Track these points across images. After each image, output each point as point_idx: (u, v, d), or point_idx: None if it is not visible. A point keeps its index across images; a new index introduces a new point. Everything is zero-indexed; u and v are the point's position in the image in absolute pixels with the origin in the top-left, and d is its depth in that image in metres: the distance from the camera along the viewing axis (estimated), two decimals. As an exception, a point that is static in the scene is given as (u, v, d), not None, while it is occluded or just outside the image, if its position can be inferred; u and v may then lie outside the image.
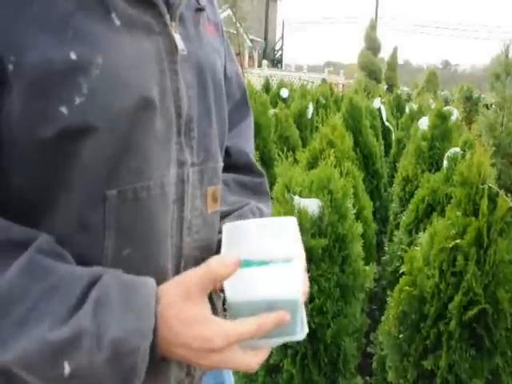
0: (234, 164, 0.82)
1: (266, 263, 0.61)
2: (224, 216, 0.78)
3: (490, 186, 1.47)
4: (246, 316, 0.56)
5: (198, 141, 0.65)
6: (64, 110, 0.50)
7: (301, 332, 0.62)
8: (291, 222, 0.68)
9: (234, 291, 0.57)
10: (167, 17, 0.59)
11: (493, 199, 1.48)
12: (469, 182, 1.53)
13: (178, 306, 0.54)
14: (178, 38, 0.61)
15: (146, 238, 0.58)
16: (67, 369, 0.48)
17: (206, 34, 0.70)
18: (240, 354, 0.56)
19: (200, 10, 0.69)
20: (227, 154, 0.80)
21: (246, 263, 0.61)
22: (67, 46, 0.50)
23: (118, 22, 0.54)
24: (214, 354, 0.54)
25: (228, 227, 0.69)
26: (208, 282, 0.55)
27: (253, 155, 0.89)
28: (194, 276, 0.56)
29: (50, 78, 0.49)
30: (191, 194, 0.64)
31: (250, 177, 0.87)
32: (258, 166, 0.89)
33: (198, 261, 0.66)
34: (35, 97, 0.49)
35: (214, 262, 0.56)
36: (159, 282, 0.57)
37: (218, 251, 0.73)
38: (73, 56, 0.50)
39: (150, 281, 0.55)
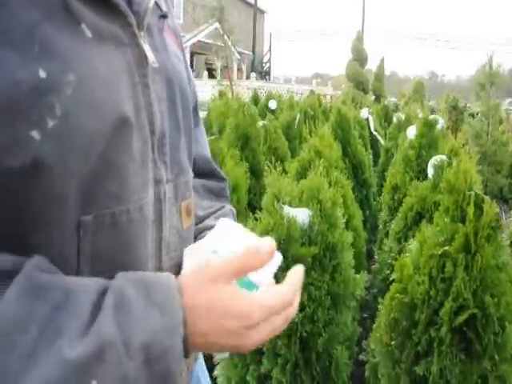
0: (199, 171, 0.82)
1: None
2: (202, 219, 0.81)
3: (476, 193, 1.50)
4: None
5: (171, 156, 0.62)
6: (35, 134, 0.44)
7: None
8: (278, 259, 0.65)
9: None
10: (135, 26, 0.55)
11: (479, 205, 1.50)
12: (456, 188, 1.56)
13: (204, 291, 0.51)
14: (147, 49, 0.57)
15: (125, 264, 0.53)
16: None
17: (170, 43, 0.67)
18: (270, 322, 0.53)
19: (163, 16, 0.65)
20: (193, 162, 0.79)
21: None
22: (35, 63, 0.45)
23: (89, 34, 0.49)
24: (254, 330, 0.51)
25: (224, 223, 0.71)
26: (235, 269, 0.52)
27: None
28: (219, 264, 0.53)
29: (17, 101, 0.44)
30: (168, 212, 0.62)
31: (215, 182, 0.89)
32: (220, 171, 0.92)
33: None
34: (2, 122, 0.43)
35: (245, 250, 0.52)
36: None
37: None
38: (42, 74, 0.45)
39: (165, 273, 0.52)
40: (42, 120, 0.45)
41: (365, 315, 2.53)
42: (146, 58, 0.57)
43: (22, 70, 0.44)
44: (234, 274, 0.52)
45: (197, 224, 0.78)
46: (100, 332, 0.43)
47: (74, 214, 0.49)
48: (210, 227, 0.77)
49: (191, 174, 0.71)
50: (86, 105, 0.48)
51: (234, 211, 0.89)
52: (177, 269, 0.66)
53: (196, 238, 0.76)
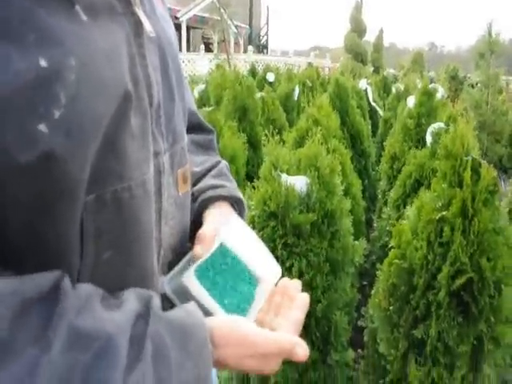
0: (187, 125, 0.80)
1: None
2: (200, 177, 0.80)
3: (473, 158, 1.49)
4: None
5: (166, 125, 0.62)
6: (43, 127, 0.42)
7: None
8: (278, 273, 0.70)
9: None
10: None
11: (476, 170, 1.50)
12: (453, 154, 1.55)
13: (232, 347, 0.56)
14: (143, 16, 0.55)
15: (129, 240, 0.54)
16: None
17: (157, 6, 0.65)
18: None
19: None
20: None
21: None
22: (33, 52, 0.42)
23: (84, 17, 0.47)
24: (269, 366, 0.58)
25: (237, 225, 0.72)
26: (260, 347, 0.57)
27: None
28: (254, 333, 0.57)
29: (21, 94, 0.41)
30: (166, 182, 0.62)
31: (202, 135, 0.88)
32: (207, 123, 0.91)
33: (175, 247, 0.68)
34: (8, 118, 0.41)
35: (286, 339, 0.58)
36: (146, 281, 0.57)
37: (195, 227, 0.74)
38: (42, 63, 0.42)
39: (199, 319, 0.54)
40: (48, 111, 0.43)
41: (364, 283, 2.56)
42: (141, 26, 0.55)
43: (22, 61, 0.41)
44: (260, 351, 0.57)
45: (194, 182, 0.78)
46: (140, 382, 0.45)
47: (81, 198, 0.48)
48: (212, 187, 0.78)
49: (186, 140, 0.71)
50: (90, 87, 0.46)
51: (227, 165, 0.89)
52: (174, 238, 0.67)
53: (198, 199, 0.76)
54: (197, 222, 0.75)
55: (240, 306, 0.66)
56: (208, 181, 0.80)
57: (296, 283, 0.69)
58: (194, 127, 0.85)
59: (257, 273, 0.68)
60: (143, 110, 0.54)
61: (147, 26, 0.56)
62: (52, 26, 0.44)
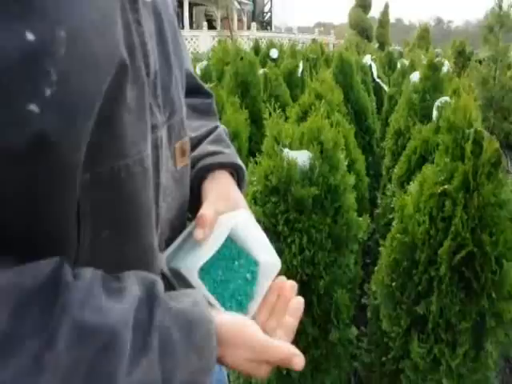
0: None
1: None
2: (196, 143, 0.77)
3: (475, 130, 1.46)
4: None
5: (163, 96, 0.58)
6: (34, 107, 0.39)
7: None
8: (278, 266, 0.70)
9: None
10: None
11: (479, 143, 1.47)
12: (455, 126, 1.52)
13: (238, 348, 0.57)
14: None
15: (127, 218, 0.52)
16: None
17: None
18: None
19: None
20: None
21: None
22: (18, 25, 0.38)
23: None
24: (264, 369, 0.59)
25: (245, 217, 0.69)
26: (260, 355, 0.58)
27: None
28: (258, 339, 0.58)
29: (8, 72, 0.38)
30: (164, 157, 0.60)
31: (200, 98, 0.84)
32: (205, 85, 0.87)
33: (172, 222, 0.66)
34: None
35: (288, 349, 0.59)
36: (146, 259, 0.57)
37: (194, 203, 0.72)
38: (29, 36, 0.38)
39: (206, 313, 0.54)
40: (38, 90, 0.39)
41: (368, 261, 2.55)
42: None
43: (6, 36, 0.37)
44: (263, 357, 0.58)
45: (192, 147, 0.74)
46: (147, 376, 0.46)
47: (76, 177, 0.45)
48: (209, 154, 0.75)
49: (184, 112, 0.67)
50: (83, 61, 0.42)
51: (226, 129, 0.85)
52: (172, 213, 0.65)
53: (194, 167, 0.74)
54: (194, 193, 0.73)
55: (239, 301, 0.66)
56: (205, 147, 0.77)
57: (292, 283, 0.68)
58: (192, 90, 0.81)
59: (260, 270, 0.68)
60: (140, 82, 0.51)
61: None
62: None
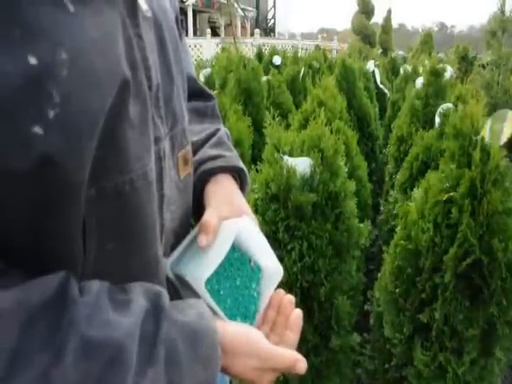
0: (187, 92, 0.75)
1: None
2: (198, 147, 0.76)
3: (483, 137, 1.45)
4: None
5: (165, 108, 0.58)
6: (38, 129, 0.39)
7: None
8: (280, 273, 0.70)
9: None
10: None
11: (486, 150, 1.46)
12: (462, 133, 1.51)
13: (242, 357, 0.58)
14: None
15: (132, 231, 0.53)
16: None
17: None
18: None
19: None
20: None
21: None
22: (21, 50, 0.38)
23: (71, 5, 0.43)
24: (268, 376, 0.60)
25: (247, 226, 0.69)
26: (266, 362, 0.59)
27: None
28: (263, 347, 0.59)
29: (12, 97, 0.38)
30: (167, 167, 0.60)
31: (202, 102, 0.84)
32: (207, 88, 0.87)
33: (176, 230, 0.66)
34: (1, 124, 0.38)
35: (292, 356, 0.61)
36: (150, 270, 0.57)
37: (196, 207, 0.72)
38: (32, 60, 0.39)
39: (211, 324, 0.54)
40: (41, 112, 0.40)
41: (371, 267, 2.53)
42: (137, 5, 0.52)
43: (10, 61, 0.38)
44: (268, 365, 0.59)
45: (194, 151, 0.74)
46: None
47: (83, 193, 0.46)
48: (210, 158, 0.75)
49: (187, 121, 0.67)
50: (85, 81, 0.42)
51: (228, 132, 0.85)
52: (175, 222, 0.65)
53: (196, 171, 0.73)
54: (197, 197, 0.72)
55: (244, 310, 0.66)
56: (206, 151, 0.76)
57: (290, 298, 0.69)
58: (194, 93, 0.81)
59: (263, 277, 0.69)
60: (142, 96, 0.51)
61: (142, 4, 0.52)
62: (37, 17, 0.40)
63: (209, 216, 0.66)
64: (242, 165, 0.77)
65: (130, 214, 0.51)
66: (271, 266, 0.69)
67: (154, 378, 0.46)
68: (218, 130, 0.82)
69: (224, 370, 0.57)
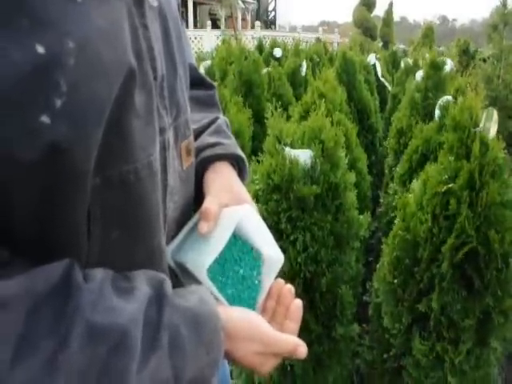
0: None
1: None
2: (197, 135, 0.77)
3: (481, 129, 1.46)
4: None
5: (169, 98, 0.59)
6: (45, 118, 0.40)
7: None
8: (281, 260, 0.71)
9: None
10: None
11: (485, 142, 1.48)
12: (461, 126, 1.52)
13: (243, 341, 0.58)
14: None
15: (136, 220, 0.53)
16: None
17: None
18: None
19: None
20: None
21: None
22: (29, 39, 0.39)
23: None
24: (270, 361, 0.61)
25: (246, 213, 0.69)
26: (269, 347, 0.59)
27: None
28: (266, 332, 0.60)
29: (20, 86, 0.39)
30: (171, 158, 0.60)
31: (203, 90, 0.85)
32: (208, 78, 0.88)
33: (178, 219, 0.67)
34: (9, 113, 0.39)
35: (293, 340, 0.62)
36: (154, 259, 0.57)
37: (196, 195, 0.73)
38: (40, 49, 0.39)
39: (213, 309, 0.55)
40: (49, 101, 0.40)
41: (370, 259, 2.55)
42: None
43: (18, 50, 0.38)
44: (271, 350, 0.60)
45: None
46: (157, 373, 0.47)
47: (89, 182, 0.46)
48: (209, 145, 0.75)
49: (189, 111, 0.68)
50: (92, 70, 0.43)
51: (227, 121, 0.85)
52: (178, 211, 0.66)
53: (196, 158, 0.74)
54: (196, 185, 0.73)
55: (245, 297, 0.67)
56: (205, 139, 0.77)
57: (289, 287, 0.69)
58: (195, 82, 0.81)
59: (264, 265, 0.69)
60: (148, 86, 0.52)
61: None
62: (45, 7, 0.40)
63: (209, 203, 0.67)
64: (240, 152, 0.78)
65: (135, 203, 0.52)
66: (272, 254, 0.69)
67: (158, 363, 0.47)
68: (217, 118, 0.83)
69: (227, 356, 0.57)
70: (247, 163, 0.80)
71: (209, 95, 0.86)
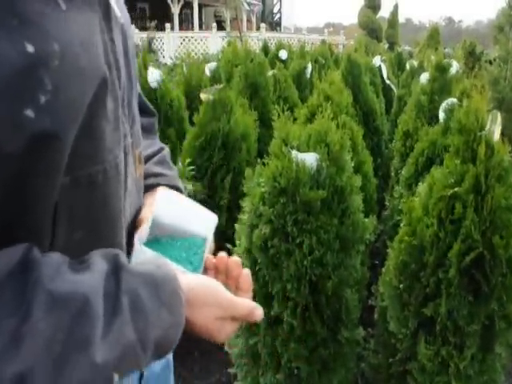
0: None
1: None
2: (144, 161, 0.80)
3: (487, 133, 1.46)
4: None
5: (128, 107, 0.63)
6: (30, 112, 0.43)
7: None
8: (214, 220, 0.73)
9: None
10: None
11: (490, 146, 1.47)
12: (466, 129, 1.52)
13: (201, 306, 0.59)
14: (112, 1, 0.57)
15: (100, 219, 0.57)
16: (116, 378, 0.48)
17: None
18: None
19: None
20: None
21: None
22: (19, 38, 0.42)
23: (63, 4, 0.47)
24: (230, 324, 0.62)
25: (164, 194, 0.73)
26: (228, 310, 0.60)
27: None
28: (225, 296, 0.61)
29: (9, 81, 0.41)
30: (130, 163, 0.64)
31: (145, 117, 0.88)
32: (150, 104, 0.91)
33: (129, 227, 0.69)
34: None
35: (251, 303, 0.63)
36: None
37: None
38: (30, 48, 0.43)
39: (170, 271, 0.56)
40: (34, 97, 0.44)
41: (375, 262, 2.54)
42: (111, 11, 0.56)
43: (9, 47, 0.42)
44: (230, 313, 0.61)
45: None
46: (121, 336, 0.48)
47: (59, 180, 0.49)
48: (153, 174, 0.80)
49: (140, 121, 0.73)
50: (72, 73, 0.47)
51: (168, 151, 0.90)
52: (131, 218, 0.69)
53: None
54: None
55: (188, 259, 0.69)
56: (149, 168, 0.82)
57: (236, 260, 0.70)
58: (140, 108, 0.83)
59: (192, 228, 0.72)
60: (115, 94, 0.56)
61: (116, 10, 0.58)
62: (33, 11, 0.44)
63: (142, 213, 0.72)
64: (180, 184, 0.84)
65: (100, 203, 0.55)
66: (204, 227, 0.72)
67: (121, 327, 0.48)
68: (162, 148, 0.89)
69: (187, 321, 0.57)
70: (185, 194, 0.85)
71: (150, 123, 0.91)
